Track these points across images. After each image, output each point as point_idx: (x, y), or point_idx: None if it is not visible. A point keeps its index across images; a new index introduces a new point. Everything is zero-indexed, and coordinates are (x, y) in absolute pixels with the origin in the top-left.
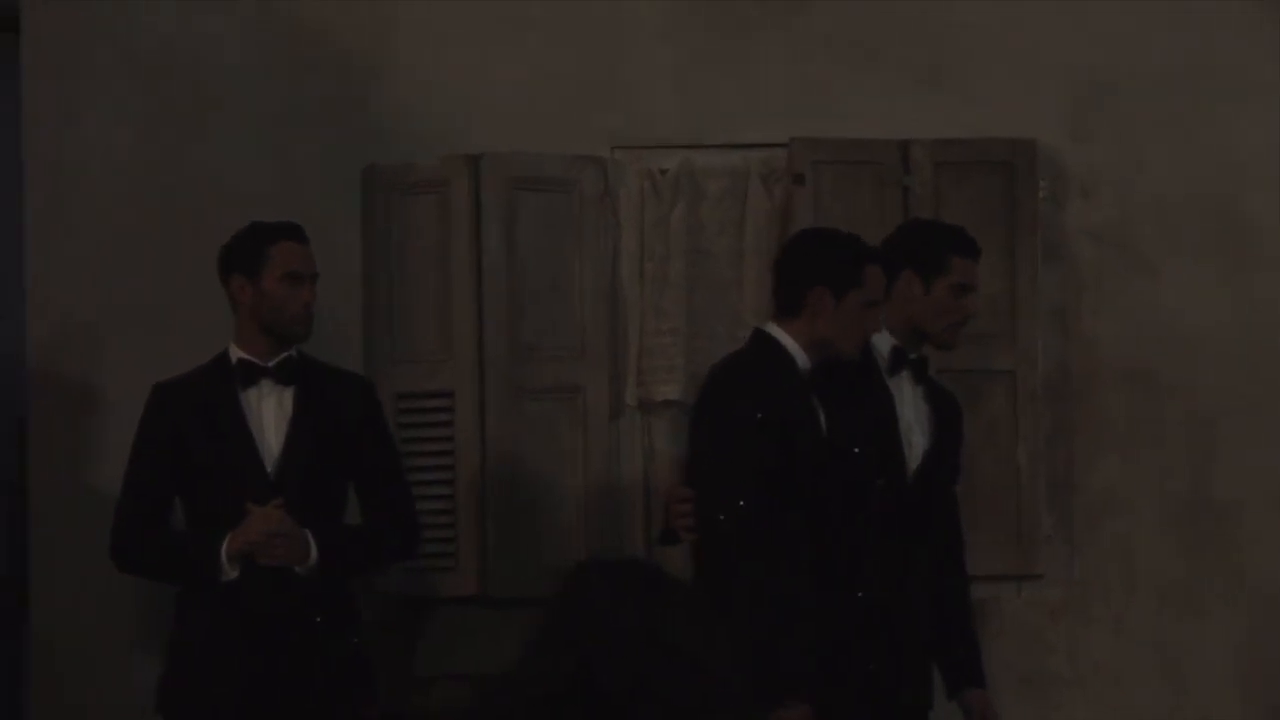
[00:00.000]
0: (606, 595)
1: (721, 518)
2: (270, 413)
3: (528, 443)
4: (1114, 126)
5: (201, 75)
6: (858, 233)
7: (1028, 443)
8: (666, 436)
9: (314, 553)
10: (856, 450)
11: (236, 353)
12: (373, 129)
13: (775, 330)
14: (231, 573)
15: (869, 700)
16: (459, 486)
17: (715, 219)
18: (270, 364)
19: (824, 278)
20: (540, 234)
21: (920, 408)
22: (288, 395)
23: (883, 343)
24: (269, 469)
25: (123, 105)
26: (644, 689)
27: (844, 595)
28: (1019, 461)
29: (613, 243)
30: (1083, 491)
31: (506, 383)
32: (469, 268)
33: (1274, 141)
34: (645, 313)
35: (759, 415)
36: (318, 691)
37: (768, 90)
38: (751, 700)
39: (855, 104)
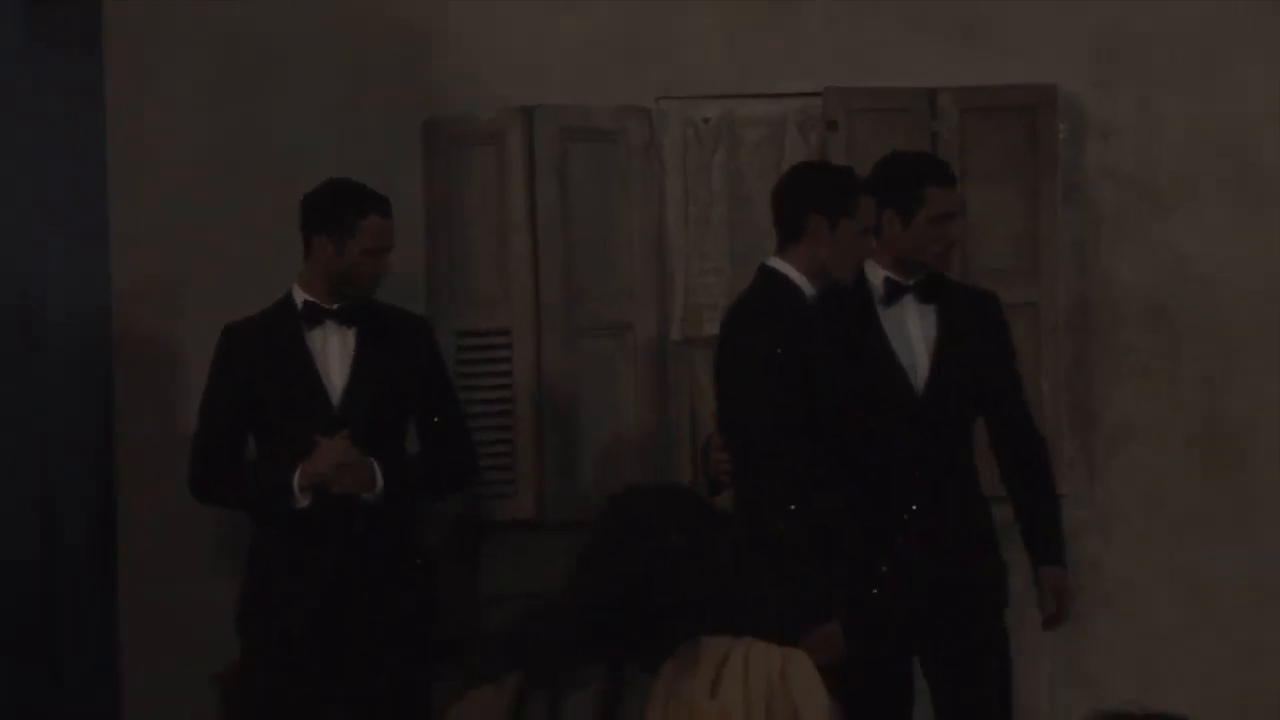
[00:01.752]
0: (650, 519)
1: (756, 461)
2: (334, 351)
3: (582, 377)
4: (1133, 73)
5: (270, 37)
6: None
7: (1050, 373)
8: (710, 369)
9: (379, 480)
10: (846, 377)
11: (301, 295)
12: (432, 85)
13: (779, 264)
14: (303, 501)
15: (908, 616)
16: (517, 418)
17: (754, 165)
18: (334, 306)
19: (820, 205)
20: (590, 181)
21: (929, 326)
22: (350, 335)
23: (875, 275)
24: (334, 403)
25: (197, 67)
26: (686, 605)
27: (879, 516)
28: (1042, 390)
29: (658, 189)
30: (1102, 419)
31: (561, 321)
32: (524, 214)
33: None
34: (689, 254)
35: (777, 351)
36: (385, 611)
37: (805, 43)
38: (784, 617)
39: (887, 55)
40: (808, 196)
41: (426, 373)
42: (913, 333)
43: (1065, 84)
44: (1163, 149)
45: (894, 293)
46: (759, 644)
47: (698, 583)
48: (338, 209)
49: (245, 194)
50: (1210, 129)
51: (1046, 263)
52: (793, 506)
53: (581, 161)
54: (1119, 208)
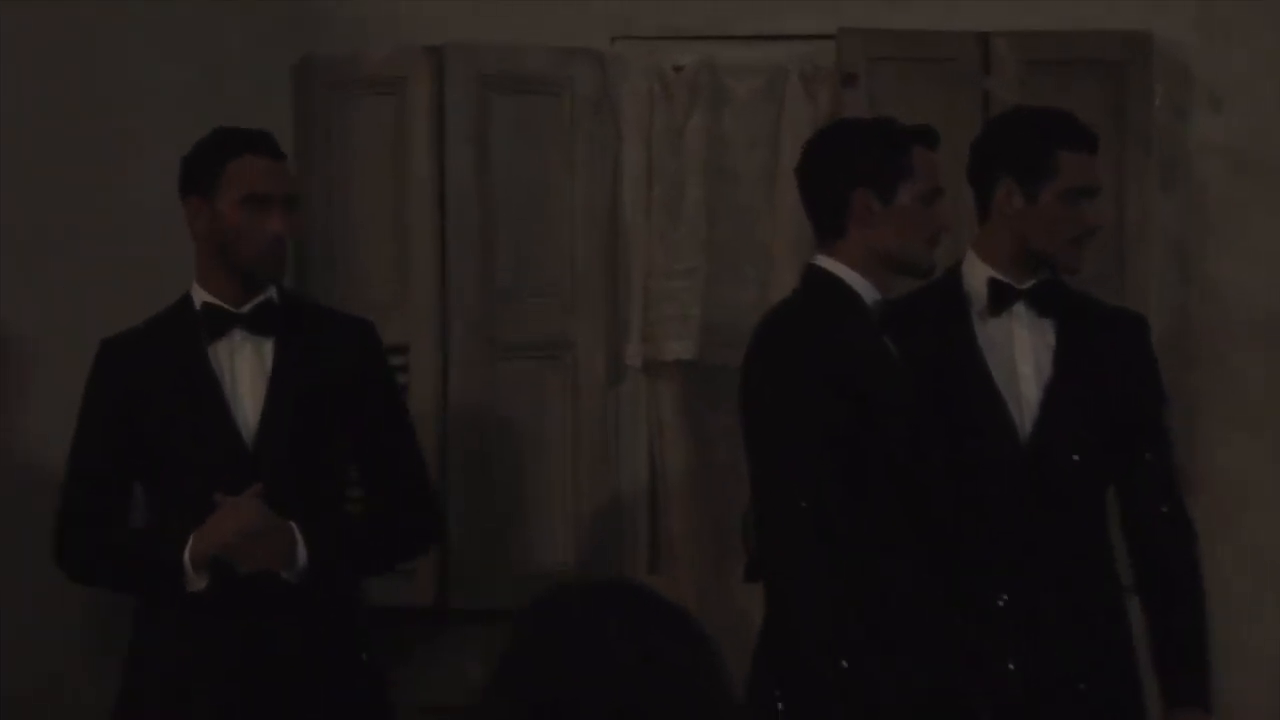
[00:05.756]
0: (586, 621)
1: (780, 516)
2: (246, 371)
3: (501, 413)
4: (1252, 18)
5: None
6: None
7: None
8: (679, 406)
9: (302, 554)
10: (924, 415)
11: (201, 295)
12: (310, 12)
13: (827, 262)
14: (199, 582)
15: None
16: None
17: (743, 130)
18: (244, 309)
19: (862, 176)
20: (520, 148)
21: (1042, 348)
22: (267, 348)
23: (976, 275)
24: (247, 442)
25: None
26: None
27: (961, 601)
28: None
29: (612, 160)
30: (1209, 473)
31: (475, 336)
32: (429, 189)
33: None
34: (653, 249)
35: (824, 373)
36: None
37: None
38: None
39: None
40: (844, 169)
41: (372, 397)
42: (1022, 356)
43: (1163, 32)
44: None
45: (1001, 298)
46: None
47: (649, 702)
48: (203, 156)
49: (85, 145)
50: None
51: (1135, 269)
52: (837, 588)
53: (507, 121)
54: (1232, 197)
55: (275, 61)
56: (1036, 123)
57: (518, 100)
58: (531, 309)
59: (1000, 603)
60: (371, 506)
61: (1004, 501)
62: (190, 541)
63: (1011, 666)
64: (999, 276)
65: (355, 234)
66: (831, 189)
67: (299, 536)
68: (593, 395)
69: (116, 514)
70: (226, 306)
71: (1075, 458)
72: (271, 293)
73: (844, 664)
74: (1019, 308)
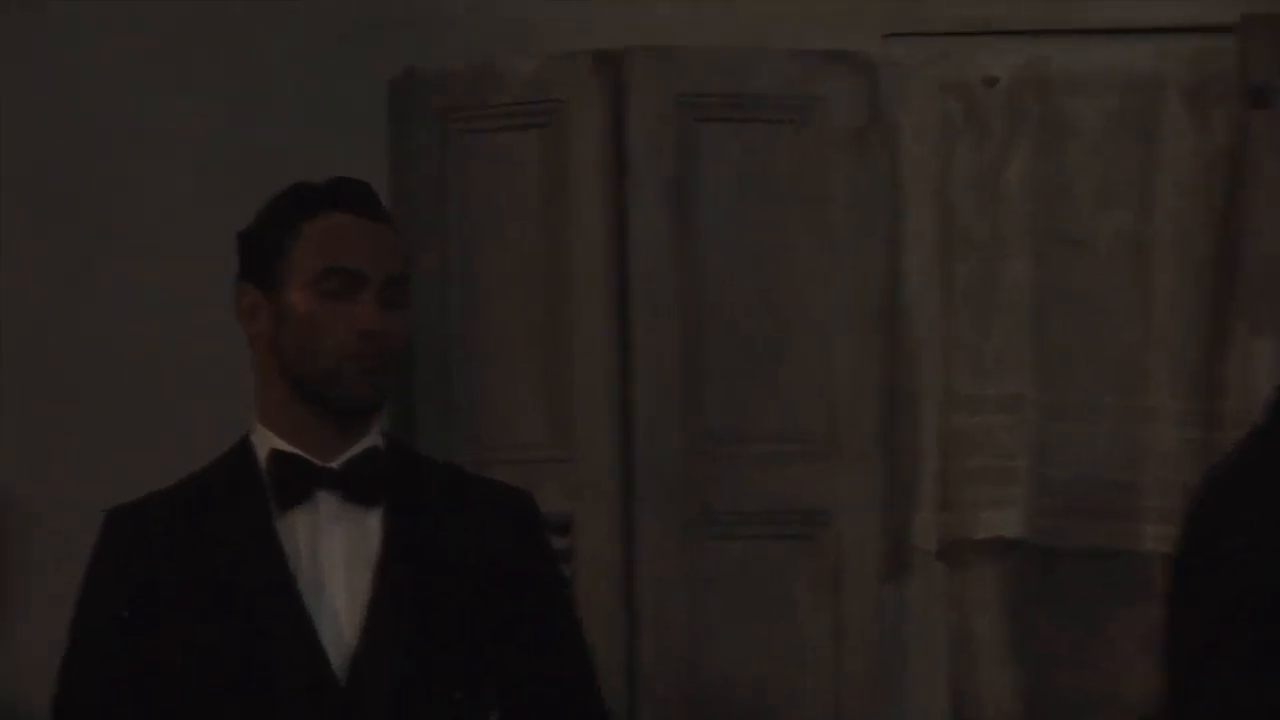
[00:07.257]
0: None
1: None
2: (339, 557)
3: (718, 615)
4: None
5: None
6: None
7: None
8: (998, 609)
9: None
10: None
11: (268, 441)
12: (416, 5)
13: None
14: None
15: None
16: None
17: (1094, 175)
18: (334, 463)
19: None
20: (743, 206)
21: None
22: (371, 523)
23: None
24: (336, 667)
25: None
26: None
27: None
28: None
29: (887, 219)
30: None
31: (676, 503)
32: (602, 272)
33: None
34: (954, 365)
35: None
36: None
37: None
38: None
39: None
40: None
41: (528, 598)
42: None
43: None
44: None
45: None
46: None
47: None
48: (261, 223)
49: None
50: None
51: None
52: None
53: (724, 165)
54: None
55: (360, 78)
56: None
57: (740, 132)
58: (764, 461)
59: None
60: None
61: None
62: None
63: None
64: None
65: (485, 344)
66: None
67: None
68: (862, 592)
69: None
70: (308, 457)
71: None
72: (376, 439)
73: None
74: None
